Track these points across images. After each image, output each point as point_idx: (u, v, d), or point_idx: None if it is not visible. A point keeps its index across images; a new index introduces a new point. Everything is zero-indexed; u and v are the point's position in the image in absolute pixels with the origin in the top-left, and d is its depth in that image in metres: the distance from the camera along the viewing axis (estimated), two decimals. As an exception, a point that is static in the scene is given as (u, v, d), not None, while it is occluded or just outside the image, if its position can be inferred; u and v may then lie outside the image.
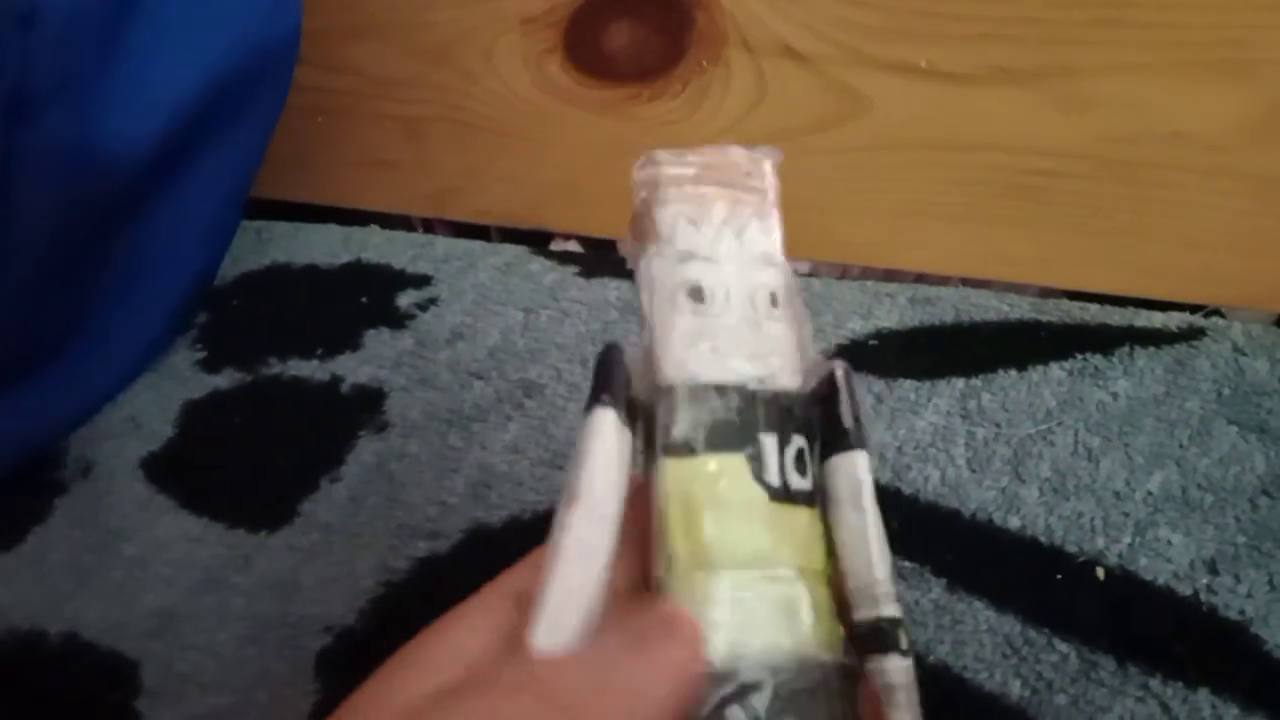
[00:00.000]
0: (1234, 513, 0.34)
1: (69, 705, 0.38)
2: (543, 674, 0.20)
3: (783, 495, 0.22)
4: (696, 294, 0.23)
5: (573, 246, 0.59)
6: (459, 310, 0.49)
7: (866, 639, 0.21)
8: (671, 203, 0.24)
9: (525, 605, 0.21)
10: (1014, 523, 0.35)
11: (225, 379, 0.49)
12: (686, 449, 0.21)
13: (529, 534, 0.39)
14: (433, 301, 0.49)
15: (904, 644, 0.21)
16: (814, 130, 0.46)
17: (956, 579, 0.34)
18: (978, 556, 0.35)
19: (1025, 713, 0.31)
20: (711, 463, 0.21)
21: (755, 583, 0.21)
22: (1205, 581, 0.33)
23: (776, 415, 0.22)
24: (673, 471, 0.21)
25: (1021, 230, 0.45)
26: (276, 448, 0.45)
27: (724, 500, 0.21)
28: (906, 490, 0.37)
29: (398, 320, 0.49)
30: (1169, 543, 0.34)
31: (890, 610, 0.21)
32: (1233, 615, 0.32)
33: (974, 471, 0.37)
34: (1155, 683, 0.30)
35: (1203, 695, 0.30)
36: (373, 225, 0.56)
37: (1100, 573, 0.33)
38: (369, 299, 0.50)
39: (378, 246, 0.54)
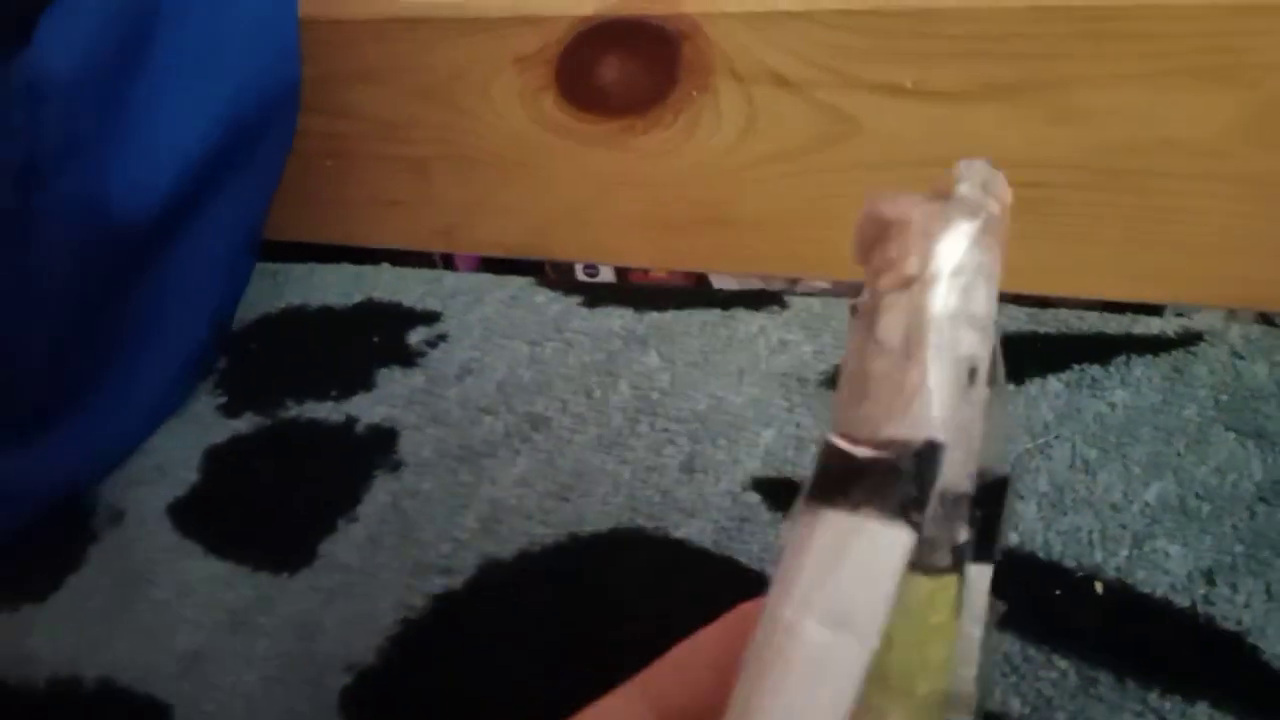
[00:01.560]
0: (1231, 521, 0.34)
1: (106, 749, 0.40)
2: None
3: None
4: (973, 376, 0.17)
5: (582, 275, 0.60)
6: (467, 345, 0.50)
7: None
8: (972, 246, 0.17)
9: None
10: (1012, 539, 0.36)
11: (245, 423, 0.50)
12: (936, 566, 0.17)
13: (539, 566, 0.40)
14: (442, 338, 0.50)
15: None
16: (807, 152, 0.47)
17: (956, 598, 0.34)
18: (977, 575, 0.35)
19: (1025, 731, 0.31)
20: (938, 584, 0.18)
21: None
22: (1203, 592, 0.33)
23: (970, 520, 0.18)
24: (926, 589, 0.17)
25: (1017, 242, 0.45)
26: (296, 490, 0.46)
27: (943, 627, 0.18)
28: (907, 510, 0.37)
29: (408, 358, 0.50)
30: (1166, 554, 0.34)
31: None
32: (1230, 626, 0.32)
33: (973, 489, 0.37)
34: (1154, 697, 0.31)
35: (1200, 708, 0.30)
36: (384, 263, 0.58)
37: (1099, 587, 0.34)
38: (380, 338, 0.52)
39: (388, 284, 0.55)
